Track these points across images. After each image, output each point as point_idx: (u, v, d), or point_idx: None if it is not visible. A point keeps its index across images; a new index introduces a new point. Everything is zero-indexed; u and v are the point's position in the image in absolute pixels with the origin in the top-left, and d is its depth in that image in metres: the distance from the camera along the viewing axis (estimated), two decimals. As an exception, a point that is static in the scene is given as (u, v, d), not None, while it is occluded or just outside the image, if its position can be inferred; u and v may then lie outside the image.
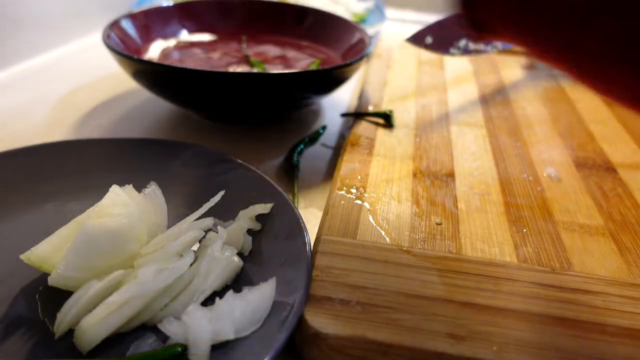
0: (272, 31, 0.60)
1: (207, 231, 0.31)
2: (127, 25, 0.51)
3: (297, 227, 0.30)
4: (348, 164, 0.39)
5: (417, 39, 0.52)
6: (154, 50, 0.53)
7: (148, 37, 0.53)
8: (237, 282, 0.28)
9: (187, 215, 0.31)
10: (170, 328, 0.24)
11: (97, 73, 0.60)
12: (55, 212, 0.33)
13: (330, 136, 0.49)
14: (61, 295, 0.25)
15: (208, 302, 0.26)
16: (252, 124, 0.50)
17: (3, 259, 0.29)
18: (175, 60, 0.53)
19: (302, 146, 0.45)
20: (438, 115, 0.49)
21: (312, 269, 0.28)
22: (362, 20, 0.76)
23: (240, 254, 0.30)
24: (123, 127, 0.49)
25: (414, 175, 0.38)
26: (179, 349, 0.23)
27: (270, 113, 0.49)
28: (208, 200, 0.31)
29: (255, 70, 0.52)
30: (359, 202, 0.35)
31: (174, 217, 0.31)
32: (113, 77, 0.59)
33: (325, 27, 0.58)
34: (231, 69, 0.53)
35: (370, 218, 0.33)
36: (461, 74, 0.60)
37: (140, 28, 0.52)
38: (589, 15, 0.20)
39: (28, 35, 0.62)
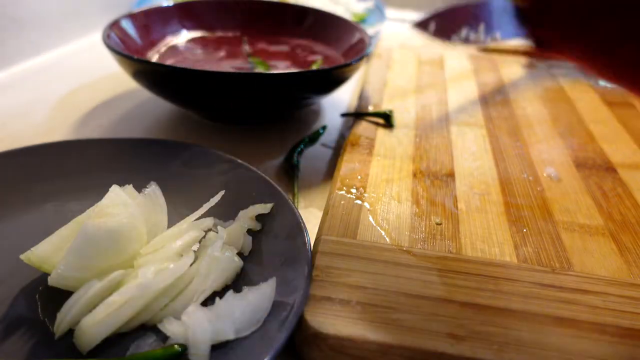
0: (272, 31, 0.60)
1: (207, 231, 0.31)
2: (127, 25, 0.51)
3: (297, 227, 0.30)
4: (348, 164, 0.39)
5: (421, 26, 0.53)
6: (154, 51, 0.53)
7: (148, 37, 0.53)
8: (237, 282, 0.28)
9: (187, 215, 0.31)
10: (170, 328, 0.24)
11: (97, 73, 0.60)
12: (55, 212, 0.33)
13: (330, 136, 0.49)
14: (61, 295, 0.25)
15: (208, 302, 0.26)
16: (252, 124, 0.50)
17: (3, 259, 0.29)
18: (175, 60, 0.53)
19: (302, 146, 0.45)
20: (438, 115, 0.49)
21: (312, 269, 0.28)
22: (362, 20, 0.76)
23: (240, 254, 0.30)
24: (123, 127, 0.49)
25: (414, 175, 0.38)
26: (179, 349, 0.23)
27: (270, 113, 0.49)
28: (208, 200, 0.31)
29: (258, 69, 0.52)
30: (359, 202, 0.35)
31: (174, 217, 0.31)
32: (113, 77, 0.59)
33: (325, 27, 0.58)
34: (233, 69, 0.53)
35: (370, 218, 0.33)
36: (461, 73, 0.60)
37: (140, 28, 0.52)
38: None
39: (28, 35, 0.62)
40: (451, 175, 0.39)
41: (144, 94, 0.55)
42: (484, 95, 0.54)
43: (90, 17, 0.72)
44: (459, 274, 0.29)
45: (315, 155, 0.46)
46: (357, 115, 0.47)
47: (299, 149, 0.44)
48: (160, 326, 0.25)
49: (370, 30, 0.69)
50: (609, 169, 0.41)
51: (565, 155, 0.42)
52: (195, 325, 0.24)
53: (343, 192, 0.36)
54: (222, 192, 0.32)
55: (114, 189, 0.29)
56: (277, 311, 0.25)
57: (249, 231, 0.31)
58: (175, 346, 0.24)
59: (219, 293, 0.27)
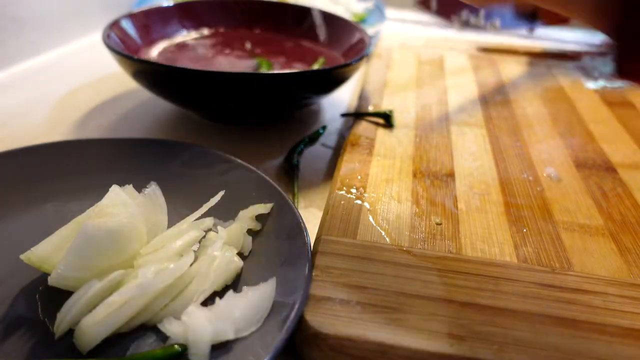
0: (272, 31, 0.60)
1: (207, 231, 0.31)
2: (127, 25, 0.51)
3: (297, 227, 0.30)
4: (348, 164, 0.39)
5: (424, 4, 0.54)
6: (154, 50, 0.53)
7: (148, 37, 0.53)
8: (237, 282, 0.28)
9: (187, 215, 0.31)
10: (170, 328, 0.24)
11: (97, 73, 0.60)
12: (55, 212, 0.33)
13: (330, 136, 0.49)
14: (61, 295, 0.25)
15: (208, 302, 0.26)
16: (252, 124, 0.50)
17: (3, 259, 0.29)
18: (175, 60, 0.53)
19: (302, 146, 0.45)
20: (438, 115, 0.49)
21: (312, 269, 0.28)
22: (362, 20, 0.76)
23: (240, 254, 0.30)
24: (123, 127, 0.49)
25: (414, 175, 0.38)
26: (179, 349, 0.23)
27: (270, 113, 0.49)
28: (208, 200, 0.31)
29: (262, 68, 0.52)
30: (359, 202, 0.35)
31: (174, 217, 0.31)
32: (113, 77, 0.59)
33: (325, 27, 0.58)
34: (236, 68, 0.53)
35: (370, 218, 0.33)
36: (461, 73, 0.60)
37: (140, 28, 0.53)
38: None
39: (28, 35, 0.62)
40: (451, 175, 0.39)
41: (144, 94, 0.55)
42: (484, 95, 0.54)
43: (90, 17, 0.72)
44: (459, 274, 0.29)
45: (315, 155, 0.46)
46: (357, 115, 0.47)
47: (299, 149, 0.44)
48: (160, 326, 0.25)
49: (370, 30, 0.69)
50: (609, 169, 0.41)
51: (565, 155, 0.42)
52: (195, 325, 0.24)
53: (343, 192, 0.36)
54: (222, 192, 0.32)
55: (114, 189, 0.29)
56: (277, 311, 0.25)
57: (249, 231, 0.31)
58: (175, 346, 0.24)
59: (219, 293, 0.27)
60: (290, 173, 0.42)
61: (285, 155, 0.44)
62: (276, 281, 0.27)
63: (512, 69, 0.63)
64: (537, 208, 0.35)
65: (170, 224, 0.31)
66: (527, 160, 0.41)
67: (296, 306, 0.25)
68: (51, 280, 0.26)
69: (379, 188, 0.36)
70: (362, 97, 0.52)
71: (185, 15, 0.58)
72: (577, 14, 0.27)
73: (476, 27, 0.55)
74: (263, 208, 0.32)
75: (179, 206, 0.33)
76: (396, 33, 0.76)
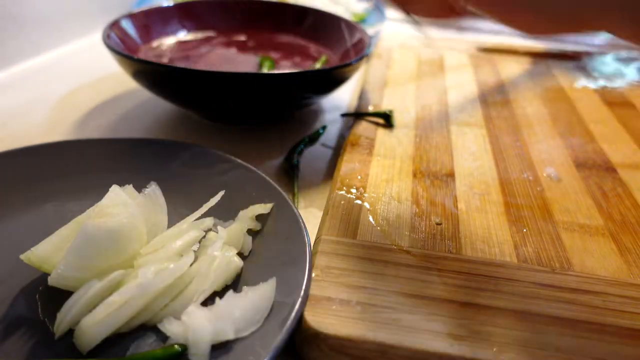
0: (272, 31, 0.60)
1: (207, 231, 0.31)
2: (127, 25, 0.51)
3: (297, 227, 0.30)
4: (348, 164, 0.39)
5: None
6: (154, 50, 0.53)
7: (148, 37, 0.53)
8: (237, 282, 0.28)
9: (187, 215, 0.31)
10: (170, 328, 0.24)
11: (97, 73, 0.60)
12: (55, 212, 0.33)
13: (330, 136, 0.49)
14: (61, 295, 0.25)
15: (208, 302, 0.26)
16: (252, 124, 0.50)
17: (3, 259, 0.29)
18: (175, 60, 0.53)
19: (302, 146, 0.45)
20: (438, 115, 0.49)
21: (312, 269, 0.28)
22: (362, 20, 0.76)
23: (240, 254, 0.30)
24: (123, 127, 0.49)
25: (414, 175, 0.38)
26: (179, 349, 0.23)
27: (270, 113, 0.49)
28: (208, 200, 0.31)
29: (264, 67, 0.52)
30: (359, 202, 0.35)
31: (174, 217, 0.31)
32: (113, 77, 0.59)
33: (325, 27, 0.58)
34: (236, 68, 0.53)
35: (370, 218, 0.33)
36: (461, 74, 0.60)
37: (140, 28, 0.53)
38: None
39: (28, 35, 0.62)
40: (451, 175, 0.39)
41: (144, 94, 0.55)
42: (484, 95, 0.54)
43: (90, 17, 0.72)
44: (459, 274, 0.29)
45: (315, 155, 0.46)
46: (357, 115, 0.47)
47: (299, 149, 0.44)
48: (160, 326, 0.25)
49: (370, 30, 0.69)
50: (609, 169, 0.41)
51: (565, 155, 0.42)
52: (195, 325, 0.24)
53: (343, 192, 0.36)
54: (222, 192, 0.32)
55: (114, 189, 0.29)
56: (277, 311, 0.25)
57: (249, 231, 0.31)
58: (175, 346, 0.24)
59: (219, 293, 0.27)
60: (290, 173, 0.42)
61: (285, 155, 0.44)
62: (276, 281, 0.27)
63: (512, 68, 0.63)
64: (537, 208, 0.35)
65: (170, 224, 0.31)
66: (527, 160, 0.41)
67: (296, 306, 0.25)
68: (51, 280, 0.26)
69: (379, 188, 0.36)
70: (362, 97, 0.52)
71: (185, 15, 0.58)
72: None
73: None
74: (263, 208, 0.32)
75: (179, 206, 0.33)
76: (396, 33, 0.76)
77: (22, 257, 0.27)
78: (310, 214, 0.38)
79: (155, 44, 0.54)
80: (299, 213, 0.31)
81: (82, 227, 0.26)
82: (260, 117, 0.49)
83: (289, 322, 0.24)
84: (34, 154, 0.36)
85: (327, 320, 0.25)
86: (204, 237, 0.30)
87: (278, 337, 0.23)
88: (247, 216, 0.32)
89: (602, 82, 0.59)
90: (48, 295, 0.27)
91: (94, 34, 0.72)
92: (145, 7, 0.54)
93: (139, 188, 0.31)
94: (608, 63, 0.66)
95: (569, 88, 0.57)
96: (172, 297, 0.26)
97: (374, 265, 0.29)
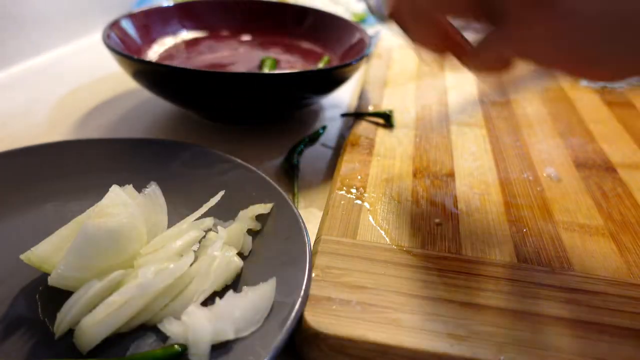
0: (272, 31, 0.60)
1: (207, 231, 0.31)
2: (127, 25, 0.51)
3: (297, 227, 0.30)
4: (348, 164, 0.39)
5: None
6: (155, 50, 0.53)
7: (148, 37, 0.53)
8: (237, 282, 0.28)
9: (187, 215, 0.31)
10: (170, 328, 0.24)
11: (97, 73, 0.60)
12: (55, 212, 0.33)
13: (330, 136, 0.49)
14: (61, 295, 0.25)
15: (208, 302, 0.26)
16: (252, 124, 0.50)
17: (3, 259, 0.29)
18: (175, 60, 0.53)
19: (302, 146, 0.45)
20: (438, 115, 0.49)
21: (312, 269, 0.28)
22: (362, 20, 0.76)
23: (240, 254, 0.30)
24: (123, 127, 0.49)
25: (414, 175, 0.38)
26: (179, 349, 0.23)
27: (270, 113, 0.49)
28: (208, 200, 0.31)
29: (266, 66, 0.52)
30: (359, 202, 0.35)
31: (174, 217, 0.31)
32: (113, 77, 0.59)
33: (325, 27, 0.58)
34: (237, 67, 0.53)
35: (370, 218, 0.33)
36: (461, 73, 0.60)
37: (140, 28, 0.52)
38: None
39: (28, 35, 0.62)
40: (451, 175, 0.39)
41: (144, 94, 0.55)
42: (484, 95, 0.54)
43: (90, 17, 0.72)
44: (459, 274, 0.29)
45: (315, 155, 0.46)
46: (357, 115, 0.47)
47: (299, 149, 0.44)
48: (160, 326, 0.25)
49: (370, 30, 0.69)
50: (609, 169, 0.41)
51: (565, 155, 0.42)
52: (195, 325, 0.24)
53: (343, 192, 0.36)
54: (222, 192, 0.32)
55: (114, 189, 0.29)
56: (277, 311, 0.25)
57: (249, 231, 0.31)
58: (175, 346, 0.24)
59: (219, 293, 0.27)
60: (290, 173, 0.42)
61: (285, 155, 0.44)
62: (276, 281, 0.27)
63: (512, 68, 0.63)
64: (537, 208, 0.35)
65: (170, 224, 0.31)
66: (527, 160, 0.41)
67: (296, 306, 0.25)
68: (51, 280, 0.26)
69: (379, 188, 0.36)
70: (362, 97, 0.52)
71: (185, 15, 0.58)
72: None
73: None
74: (263, 208, 0.32)
75: (179, 206, 0.33)
76: (396, 33, 0.76)
77: (22, 257, 0.27)
78: (310, 214, 0.38)
79: (155, 44, 0.54)
80: (299, 213, 0.31)
81: (82, 227, 0.26)
82: (260, 117, 0.49)
83: (289, 322, 0.24)
84: (34, 154, 0.36)
85: (327, 320, 0.25)
86: (204, 237, 0.30)
87: (278, 337, 0.23)
88: (247, 216, 0.32)
89: (602, 82, 0.59)
90: (48, 295, 0.27)
91: (94, 34, 0.72)
92: (145, 7, 0.54)
93: (139, 188, 0.31)
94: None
95: (569, 88, 0.57)
96: (172, 297, 0.26)
97: (374, 265, 0.29)
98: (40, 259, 0.27)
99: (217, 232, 0.30)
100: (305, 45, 0.58)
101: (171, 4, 0.57)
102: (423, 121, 0.47)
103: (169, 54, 0.54)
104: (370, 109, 0.49)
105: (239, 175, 0.35)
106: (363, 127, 0.45)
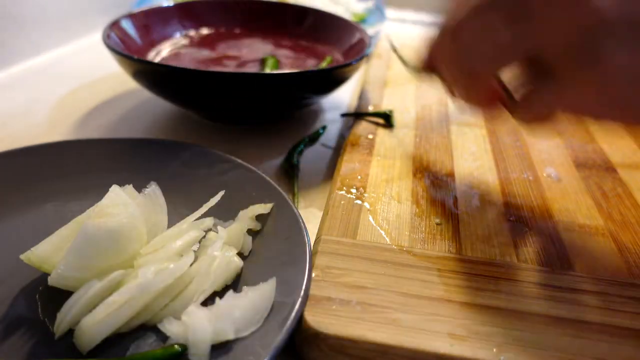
0: (272, 31, 0.60)
1: (207, 231, 0.31)
2: (127, 25, 0.51)
3: (297, 227, 0.30)
4: (348, 164, 0.39)
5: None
6: (155, 51, 0.53)
7: (148, 37, 0.53)
8: (237, 282, 0.28)
9: (187, 215, 0.31)
10: (170, 328, 0.24)
11: (97, 73, 0.60)
12: (55, 212, 0.33)
13: (330, 136, 0.49)
14: (61, 295, 0.25)
15: (208, 302, 0.26)
16: (252, 124, 0.50)
17: (3, 259, 0.29)
18: (175, 60, 0.53)
19: (302, 146, 0.45)
20: (438, 115, 0.49)
21: (312, 269, 0.28)
22: (362, 20, 0.76)
23: (240, 254, 0.30)
24: (123, 127, 0.49)
25: (414, 175, 0.38)
26: (179, 349, 0.23)
27: (270, 113, 0.49)
28: (208, 200, 0.31)
29: (267, 66, 0.52)
30: (359, 202, 0.35)
31: (174, 217, 0.31)
32: (113, 77, 0.59)
33: (325, 27, 0.58)
34: (241, 67, 0.53)
35: (370, 218, 0.33)
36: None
37: (140, 28, 0.52)
38: None
39: (28, 35, 0.62)
40: (451, 175, 0.39)
41: (144, 94, 0.55)
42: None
43: (90, 17, 0.72)
44: (459, 274, 0.29)
45: (315, 155, 0.46)
46: (357, 115, 0.47)
47: (299, 149, 0.44)
48: (160, 326, 0.25)
49: (370, 30, 0.69)
50: (609, 169, 0.41)
51: (565, 155, 0.42)
52: (195, 325, 0.24)
53: (343, 192, 0.36)
54: (222, 192, 0.32)
55: (114, 189, 0.29)
56: (277, 311, 0.25)
57: (249, 231, 0.31)
58: (175, 346, 0.24)
59: (219, 293, 0.27)
60: (290, 173, 0.42)
61: (285, 155, 0.44)
62: (276, 281, 0.27)
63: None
64: (537, 208, 0.35)
65: (170, 224, 0.31)
66: (527, 160, 0.41)
67: (296, 306, 0.25)
68: (51, 280, 0.26)
69: (379, 188, 0.36)
70: (362, 97, 0.52)
71: (185, 15, 0.58)
72: None
73: None
74: (263, 208, 0.32)
75: (179, 206, 0.33)
76: (396, 33, 0.76)
77: (22, 257, 0.27)
78: (310, 214, 0.38)
79: (155, 44, 0.54)
80: (299, 213, 0.31)
81: (82, 227, 0.26)
82: (260, 117, 0.49)
83: (289, 322, 0.24)
84: (34, 154, 0.36)
85: (327, 320, 0.25)
86: (204, 237, 0.30)
87: (278, 337, 0.23)
88: (247, 216, 0.32)
89: None
90: (48, 295, 0.27)
91: (94, 34, 0.72)
92: (145, 7, 0.54)
93: (139, 188, 0.31)
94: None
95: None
96: (172, 297, 0.26)
97: (374, 265, 0.29)
98: (40, 259, 0.27)
99: (217, 232, 0.30)
100: (305, 45, 0.58)
101: (171, 4, 0.57)
102: (423, 121, 0.47)
103: (171, 53, 0.54)
104: (370, 109, 0.49)
105: (239, 175, 0.35)
106: (363, 127, 0.45)
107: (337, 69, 0.42)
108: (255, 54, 0.57)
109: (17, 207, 0.33)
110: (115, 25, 0.49)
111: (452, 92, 0.33)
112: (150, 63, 0.41)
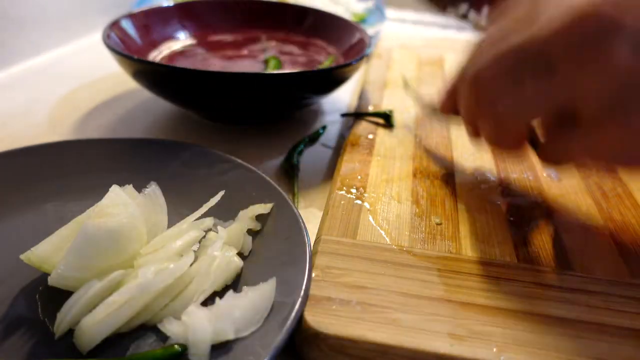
0: (272, 31, 0.60)
1: (207, 231, 0.31)
2: (127, 25, 0.51)
3: (297, 227, 0.30)
4: (348, 164, 0.39)
5: None
6: (155, 51, 0.53)
7: (148, 37, 0.53)
8: (237, 282, 0.28)
9: (187, 215, 0.31)
10: (170, 328, 0.24)
11: (97, 73, 0.60)
12: (55, 212, 0.33)
13: (330, 136, 0.49)
14: (61, 295, 0.25)
15: (208, 302, 0.26)
16: (252, 124, 0.50)
17: (3, 259, 0.29)
18: (175, 60, 0.53)
19: (302, 146, 0.45)
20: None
21: (312, 269, 0.28)
22: (362, 20, 0.76)
23: (240, 254, 0.30)
24: (123, 127, 0.49)
25: (414, 175, 0.38)
26: (179, 349, 0.23)
27: (270, 113, 0.49)
28: (208, 200, 0.31)
29: (269, 66, 0.52)
30: (359, 202, 0.35)
31: (174, 217, 0.31)
32: (113, 77, 0.59)
33: (325, 27, 0.58)
34: (240, 67, 0.53)
35: (370, 218, 0.33)
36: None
37: (140, 28, 0.52)
38: None
39: (28, 35, 0.62)
40: (451, 175, 0.39)
41: (144, 94, 0.55)
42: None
43: (90, 17, 0.72)
44: (459, 274, 0.29)
45: (315, 155, 0.46)
46: (357, 115, 0.47)
47: (299, 149, 0.44)
48: (160, 326, 0.25)
49: (370, 30, 0.69)
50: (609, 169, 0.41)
51: (565, 155, 0.42)
52: (195, 325, 0.24)
53: (343, 192, 0.36)
54: (222, 192, 0.32)
55: (114, 189, 0.29)
56: (277, 311, 0.25)
57: (249, 231, 0.31)
58: (175, 346, 0.24)
59: (219, 293, 0.27)
60: (290, 173, 0.42)
61: (285, 155, 0.44)
62: (276, 281, 0.27)
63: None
64: (537, 208, 0.35)
65: (170, 224, 0.31)
66: (527, 160, 0.41)
67: (296, 306, 0.25)
68: (51, 280, 0.26)
69: (379, 188, 0.36)
70: (362, 97, 0.52)
71: (185, 15, 0.58)
72: None
73: (475, 24, 0.53)
74: (263, 208, 0.32)
75: (179, 206, 0.33)
76: (396, 33, 0.76)
77: (22, 257, 0.27)
78: (310, 214, 0.38)
79: (155, 44, 0.54)
80: (299, 213, 0.31)
81: (82, 227, 0.26)
82: (261, 117, 0.49)
83: (289, 322, 0.24)
84: (34, 154, 0.36)
85: (327, 320, 0.25)
86: (204, 237, 0.30)
87: (278, 337, 0.23)
88: (247, 216, 0.32)
89: None
90: (48, 295, 0.27)
91: (94, 34, 0.72)
92: (145, 7, 0.54)
93: (139, 188, 0.31)
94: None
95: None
96: (172, 297, 0.26)
97: (374, 265, 0.29)
98: (40, 259, 0.27)
99: (217, 232, 0.30)
100: (306, 45, 0.58)
101: (171, 4, 0.57)
102: (423, 121, 0.47)
103: (172, 53, 0.54)
104: (370, 109, 0.49)
105: (239, 175, 0.35)
106: (363, 127, 0.45)
107: (337, 69, 0.42)
108: (256, 54, 0.57)
109: (17, 207, 0.33)
110: (115, 25, 0.49)
111: (475, 134, 0.33)
112: (150, 63, 0.41)
